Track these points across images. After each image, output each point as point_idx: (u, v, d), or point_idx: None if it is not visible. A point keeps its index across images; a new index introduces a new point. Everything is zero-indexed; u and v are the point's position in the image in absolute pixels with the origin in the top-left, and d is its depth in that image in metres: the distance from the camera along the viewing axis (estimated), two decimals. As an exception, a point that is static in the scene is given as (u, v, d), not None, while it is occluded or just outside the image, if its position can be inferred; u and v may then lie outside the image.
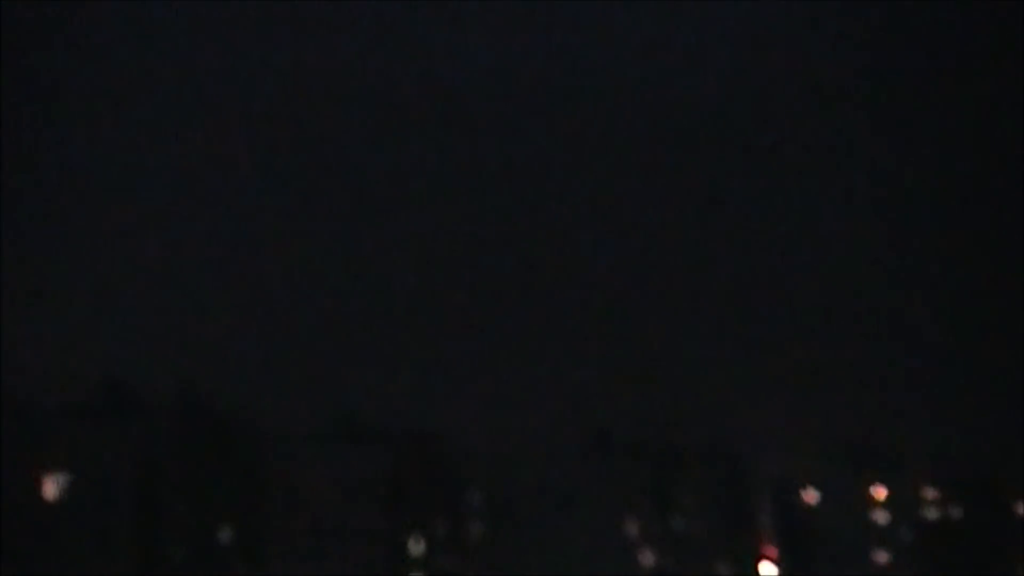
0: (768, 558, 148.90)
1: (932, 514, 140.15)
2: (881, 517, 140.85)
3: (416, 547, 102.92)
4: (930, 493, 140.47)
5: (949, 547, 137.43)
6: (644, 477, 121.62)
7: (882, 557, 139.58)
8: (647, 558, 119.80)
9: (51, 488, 68.36)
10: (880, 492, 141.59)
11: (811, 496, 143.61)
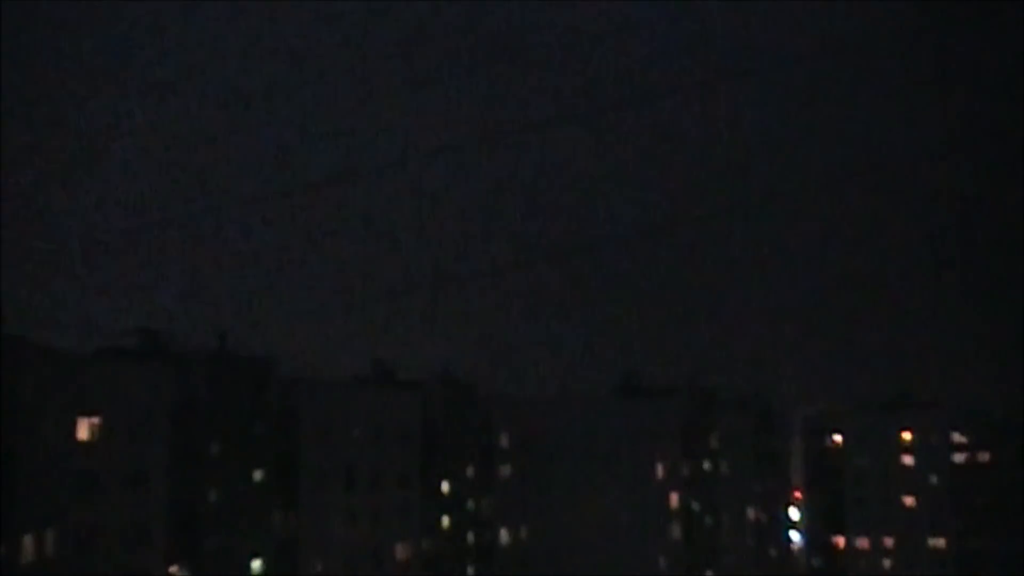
0: (796, 501, 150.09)
1: (959, 458, 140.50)
2: (909, 461, 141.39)
3: (446, 489, 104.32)
4: (958, 437, 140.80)
5: (976, 491, 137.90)
6: (673, 420, 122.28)
7: (909, 501, 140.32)
8: (675, 500, 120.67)
9: (85, 430, 69.73)
10: (908, 436, 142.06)
11: (840, 440, 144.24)
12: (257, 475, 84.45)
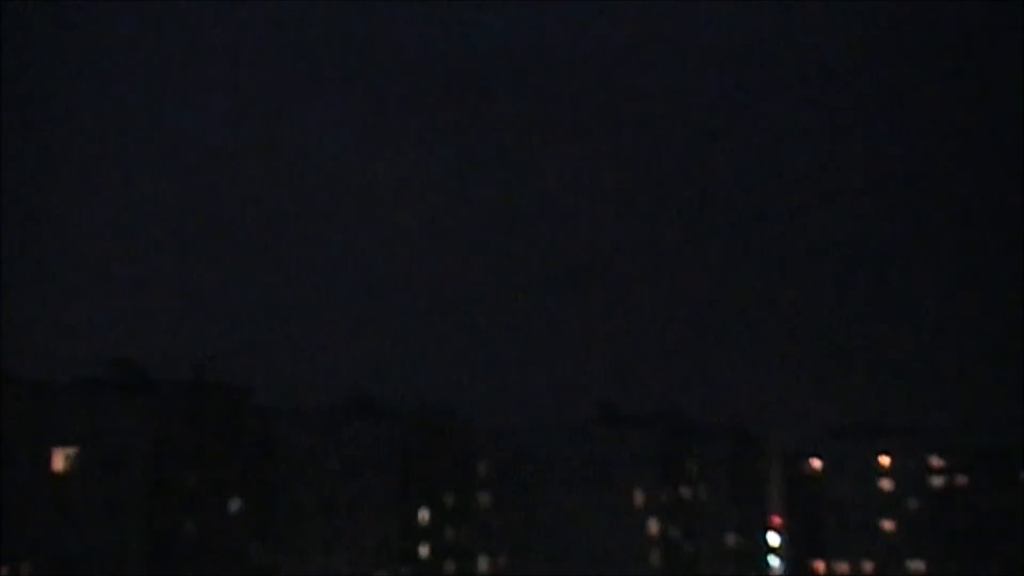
0: (774, 527, 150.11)
1: (938, 483, 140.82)
2: (887, 486, 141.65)
3: (424, 518, 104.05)
4: (935, 462, 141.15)
5: (955, 516, 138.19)
6: (651, 447, 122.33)
7: (888, 526, 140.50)
8: (654, 527, 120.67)
9: (62, 461, 69.46)
10: (886, 461, 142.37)
11: (818, 466, 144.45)
12: (235, 505, 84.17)
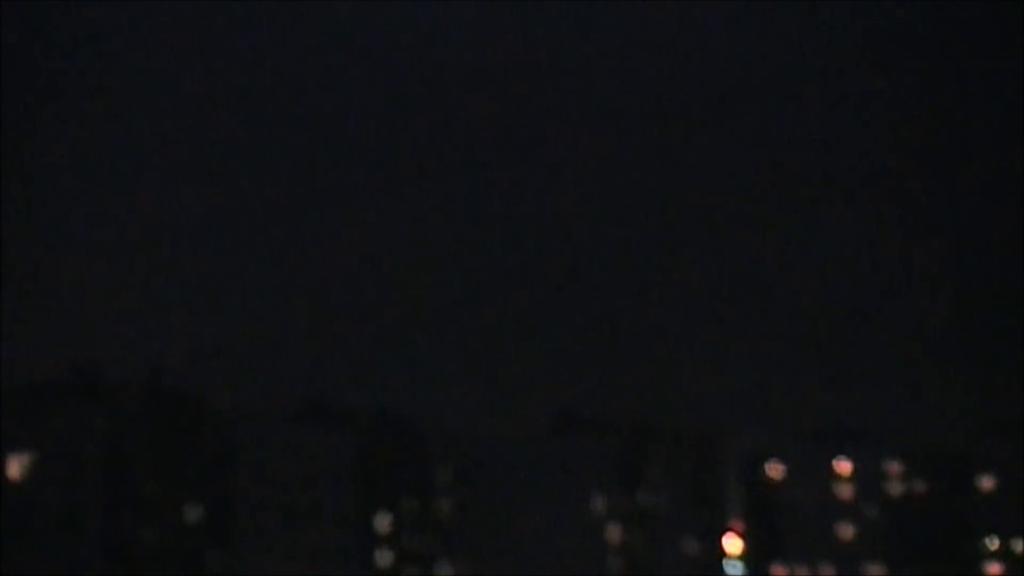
0: (734, 533, 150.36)
1: (896, 488, 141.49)
2: (846, 492, 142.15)
3: (384, 525, 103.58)
4: (894, 467, 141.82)
5: (913, 521, 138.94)
6: (611, 453, 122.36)
7: (847, 531, 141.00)
8: (613, 533, 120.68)
9: (17, 468, 68.66)
10: (845, 467, 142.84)
11: (777, 471, 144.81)
12: (193, 514, 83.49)
